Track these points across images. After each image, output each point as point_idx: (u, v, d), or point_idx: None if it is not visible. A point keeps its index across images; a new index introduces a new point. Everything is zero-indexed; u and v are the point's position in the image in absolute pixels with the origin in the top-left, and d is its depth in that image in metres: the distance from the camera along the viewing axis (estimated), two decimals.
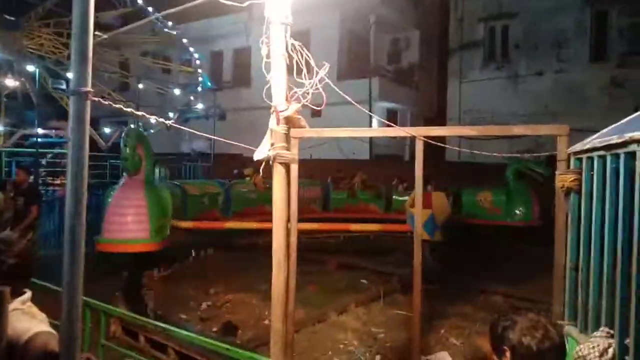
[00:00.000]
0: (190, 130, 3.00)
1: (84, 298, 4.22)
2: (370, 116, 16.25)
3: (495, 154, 3.42)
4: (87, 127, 1.55)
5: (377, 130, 3.88)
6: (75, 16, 1.60)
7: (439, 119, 19.17)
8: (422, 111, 20.41)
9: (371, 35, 18.22)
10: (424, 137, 2.63)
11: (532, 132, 2.57)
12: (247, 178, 11.29)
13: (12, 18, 14.16)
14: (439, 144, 2.65)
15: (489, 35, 17.91)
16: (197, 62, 17.37)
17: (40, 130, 10.79)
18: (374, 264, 8.78)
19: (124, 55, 17.29)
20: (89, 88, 1.52)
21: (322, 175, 14.04)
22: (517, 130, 2.56)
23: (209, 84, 17.23)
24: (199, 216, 9.55)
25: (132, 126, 9.76)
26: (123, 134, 7.56)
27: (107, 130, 15.15)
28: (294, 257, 2.73)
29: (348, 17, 18.29)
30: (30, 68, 13.04)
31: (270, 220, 2.55)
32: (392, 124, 4.66)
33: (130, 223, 6.98)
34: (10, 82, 13.42)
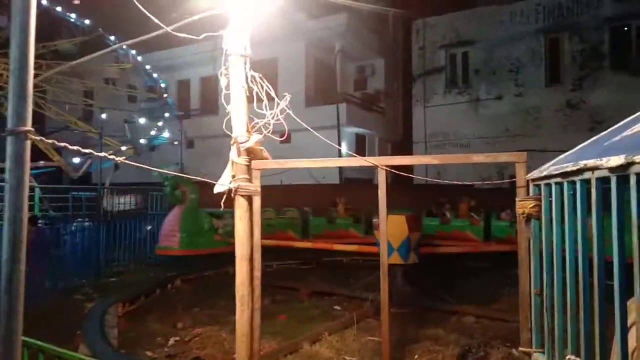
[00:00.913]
0: (146, 167, 2.89)
1: (24, 338, 3.95)
2: (339, 141, 16.41)
3: (456, 182, 3.46)
4: (27, 168, 1.45)
5: (339, 160, 3.88)
6: (13, 50, 1.51)
7: (406, 143, 19.55)
8: (389, 135, 20.77)
9: (337, 63, 18.57)
10: (386, 166, 2.63)
11: (492, 160, 2.60)
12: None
13: None
14: (400, 173, 2.66)
15: (450, 62, 18.55)
16: (162, 86, 17.23)
17: None
18: (347, 290, 8.69)
19: (86, 84, 16.98)
20: (28, 127, 1.43)
21: (297, 201, 14.00)
22: (477, 158, 2.60)
23: (172, 105, 17.11)
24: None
25: (172, 168, 11.70)
26: (167, 181, 10.44)
27: (75, 160, 14.67)
28: (258, 292, 2.64)
29: (313, 46, 18.63)
30: None
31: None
32: (356, 154, 4.67)
33: (168, 236, 10.32)
34: None
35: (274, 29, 15.57)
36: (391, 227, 7.14)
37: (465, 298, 7.74)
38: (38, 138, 1.52)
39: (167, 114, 16.48)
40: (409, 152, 18.41)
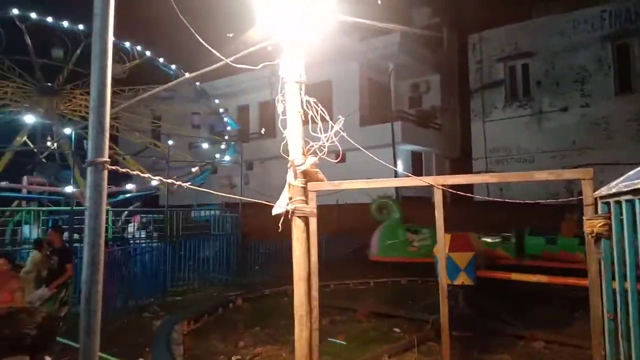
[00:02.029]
0: (210, 191, 3.04)
1: (102, 355, 4.19)
2: (395, 159, 16.27)
3: (519, 201, 3.33)
4: (105, 196, 1.59)
5: (394, 180, 3.89)
6: (93, 89, 1.68)
7: (464, 159, 19.02)
8: (447, 152, 20.33)
9: (391, 81, 18.56)
10: (443, 185, 2.59)
11: (555, 177, 2.49)
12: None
13: (49, 84, 15.20)
14: (458, 192, 2.61)
15: (509, 74, 17.99)
16: (229, 129, 18.03)
17: (69, 189, 11.24)
18: (406, 311, 8.49)
19: (156, 122, 18.13)
20: (105, 158, 1.58)
21: (353, 220, 13.98)
22: (540, 176, 2.49)
23: (234, 125, 17.76)
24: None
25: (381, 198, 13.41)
26: (373, 205, 13.31)
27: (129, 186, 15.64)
28: (315, 312, 2.66)
29: (367, 67, 18.77)
30: (67, 130, 13.75)
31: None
32: (412, 172, 4.63)
33: (373, 246, 12.73)
34: (49, 144, 14.18)
35: (327, 52, 15.91)
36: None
37: (534, 322, 7.32)
38: (114, 168, 1.66)
39: (228, 128, 17.18)
40: (468, 168, 17.89)
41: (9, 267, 5.72)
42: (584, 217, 2.26)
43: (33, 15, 14.49)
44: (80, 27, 15.22)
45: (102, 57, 1.65)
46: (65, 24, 14.97)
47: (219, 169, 18.20)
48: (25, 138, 14.62)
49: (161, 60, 16.19)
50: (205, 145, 17.27)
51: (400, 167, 16.08)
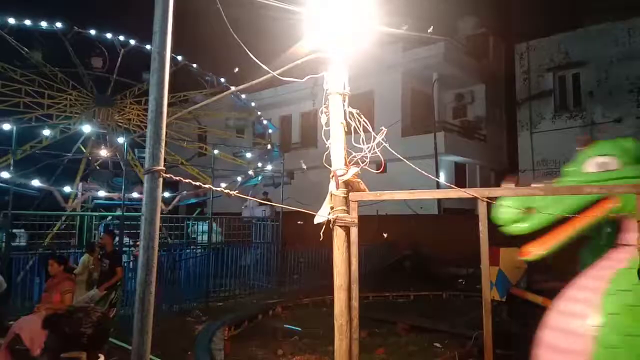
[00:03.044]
0: (252, 198, 3.14)
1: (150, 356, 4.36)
2: (437, 171, 16.02)
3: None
4: (159, 203, 1.69)
5: (436, 191, 3.87)
6: (150, 101, 1.80)
7: (510, 172, 18.46)
8: (492, 163, 19.81)
9: (434, 92, 18.36)
10: (487, 198, 2.56)
11: (607, 191, 2.40)
12: None
13: (107, 95, 16.06)
14: (502, 205, 2.57)
15: (559, 85, 17.37)
16: (270, 131, 18.38)
17: (136, 195, 11.80)
18: (448, 326, 8.30)
19: (202, 128, 18.74)
20: (161, 167, 1.68)
21: (392, 231, 13.80)
22: (590, 190, 2.41)
23: (274, 127, 18.09)
24: None
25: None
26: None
27: (166, 194, 16.12)
28: (356, 322, 2.68)
29: (410, 77, 18.66)
30: (120, 140, 14.45)
31: None
32: (455, 184, 4.56)
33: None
34: (103, 152, 14.94)
35: (370, 62, 15.99)
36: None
37: None
38: (168, 176, 1.76)
39: (269, 162, 17.52)
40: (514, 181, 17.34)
41: (61, 269, 6.02)
42: (637, 234, 2.17)
43: (68, 26, 15.31)
44: (121, 38, 15.99)
45: (160, 72, 1.76)
46: (108, 35, 15.75)
47: (261, 179, 18.55)
48: (80, 146, 15.46)
49: (222, 80, 16.74)
50: (248, 155, 17.66)
51: (442, 179, 15.81)
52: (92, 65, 16.40)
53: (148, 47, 15.84)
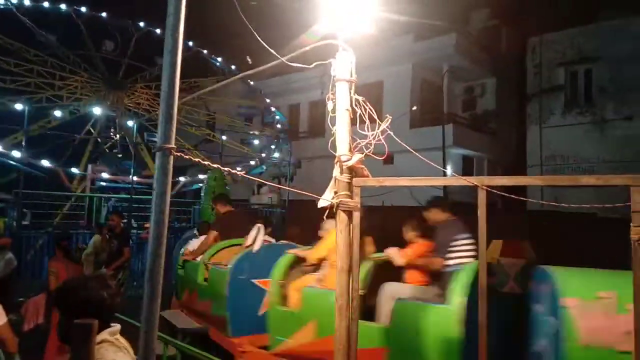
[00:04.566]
0: (262, 181, 3.22)
1: (162, 335, 4.50)
2: (444, 163, 16.01)
3: (573, 205, 3.27)
4: (170, 179, 1.78)
5: (438, 179, 3.92)
6: (163, 81, 1.87)
7: (518, 166, 18.40)
8: (500, 158, 19.74)
9: (444, 84, 18.26)
10: (487, 186, 2.61)
11: (603, 182, 2.44)
12: None
13: (117, 78, 16.20)
14: (505, 194, 2.62)
15: (570, 80, 17.23)
16: (277, 118, 18.45)
17: (136, 178, 11.95)
18: None
19: (210, 115, 18.86)
20: (172, 145, 1.76)
21: (396, 222, 13.77)
22: (586, 180, 2.46)
23: (282, 117, 18.19)
24: None
25: None
26: None
27: (182, 179, 16.30)
28: (355, 303, 2.76)
29: (420, 68, 18.56)
30: (129, 123, 14.61)
31: None
32: (456, 174, 4.59)
33: None
34: (112, 135, 15.15)
35: (380, 52, 15.93)
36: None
37: None
38: (178, 154, 1.85)
39: (278, 125, 17.62)
40: (521, 175, 17.31)
41: (65, 257, 6.17)
42: (631, 224, 2.22)
43: (83, 9, 15.43)
44: (141, 24, 16.07)
45: (173, 54, 1.83)
46: (121, 19, 15.85)
47: (268, 166, 18.68)
48: (89, 128, 15.65)
49: (233, 67, 16.85)
50: (256, 142, 17.77)
51: (449, 171, 15.79)
52: (104, 48, 16.52)
53: (158, 31, 15.94)
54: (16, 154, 10.38)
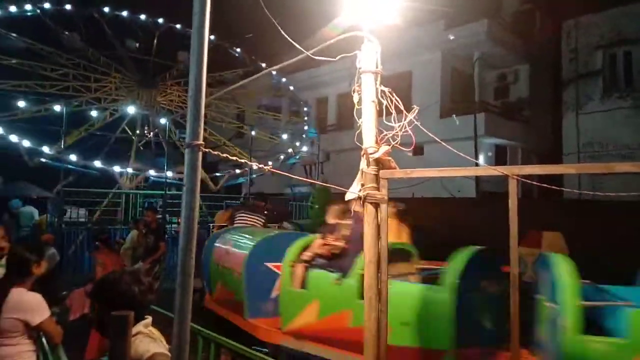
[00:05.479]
0: (291, 175, 3.24)
1: (196, 326, 4.61)
2: (476, 153, 15.69)
3: (611, 193, 3.16)
4: (199, 174, 1.82)
5: (467, 169, 3.84)
6: (191, 80, 1.92)
7: (554, 154, 17.83)
8: (535, 146, 19.17)
9: (475, 71, 17.83)
10: (517, 175, 2.55)
11: (638, 169, 2.35)
12: None
13: (151, 78, 16.59)
14: (537, 183, 2.55)
15: (609, 63, 16.51)
16: (305, 109, 18.49)
17: (169, 174, 12.29)
18: None
19: (240, 108, 19.09)
20: (200, 141, 1.80)
21: (427, 215, 13.58)
22: (621, 168, 2.36)
23: (314, 133, 18.27)
24: None
25: None
26: None
27: (218, 174, 16.56)
28: (384, 295, 2.76)
29: (450, 56, 18.18)
30: (162, 120, 14.96)
31: None
32: (489, 164, 4.50)
33: None
34: (147, 133, 15.57)
35: (409, 42, 15.68)
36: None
37: None
38: (207, 150, 1.89)
39: (304, 135, 17.69)
40: (557, 164, 16.77)
41: (108, 249, 6.46)
42: None
43: (106, 9, 15.76)
44: (160, 20, 16.32)
45: (200, 52, 1.87)
46: (142, 17, 16.11)
47: (299, 157, 18.80)
48: (125, 127, 16.10)
49: (263, 65, 17.03)
50: (284, 136, 17.88)
51: (482, 161, 15.47)
52: (127, 47, 16.89)
53: (178, 26, 16.19)
54: (72, 157, 10.98)
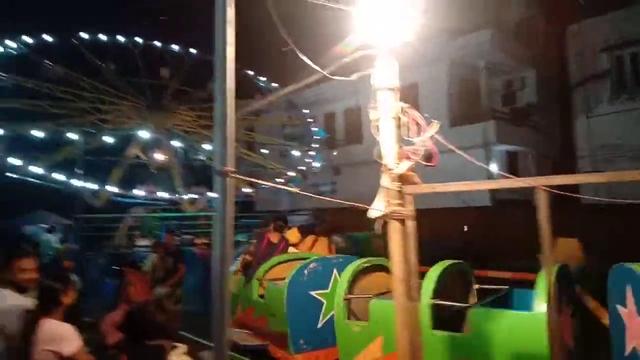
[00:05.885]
0: (301, 192, 3.25)
1: (231, 353, 4.57)
2: (488, 160, 15.60)
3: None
4: (232, 202, 1.82)
5: (491, 182, 3.82)
6: (216, 106, 1.93)
7: (566, 159, 17.66)
8: (546, 150, 19.01)
9: (482, 80, 17.83)
10: (547, 186, 2.52)
11: None
12: None
13: (160, 101, 16.79)
14: (562, 193, 2.52)
15: (616, 65, 16.42)
16: (310, 120, 18.62)
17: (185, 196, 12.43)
18: None
19: (249, 134, 19.29)
20: (231, 167, 1.81)
21: (443, 225, 13.49)
22: None
23: (322, 133, 18.39)
24: None
25: None
26: None
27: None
28: (415, 313, 2.73)
29: (456, 66, 18.22)
30: (175, 143, 15.12)
31: None
32: (508, 173, 4.47)
33: None
34: (160, 156, 15.68)
35: (414, 54, 15.74)
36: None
37: None
38: (238, 177, 1.89)
39: (315, 136, 17.80)
40: (571, 167, 16.58)
41: (134, 269, 6.54)
42: None
43: (139, 40, 16.09)
44: (192, 50, 16.66)
45: (224, 79, 1.90)
46: (175, 47, 16.45)
47: (308, 177, 18.82)
48: (137, 151, 16.24)
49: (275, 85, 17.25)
50: (296, 153, 17.96)
51: (494, 169, 15.36)
52: (160, 75, 17.11)
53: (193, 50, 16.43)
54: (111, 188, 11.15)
